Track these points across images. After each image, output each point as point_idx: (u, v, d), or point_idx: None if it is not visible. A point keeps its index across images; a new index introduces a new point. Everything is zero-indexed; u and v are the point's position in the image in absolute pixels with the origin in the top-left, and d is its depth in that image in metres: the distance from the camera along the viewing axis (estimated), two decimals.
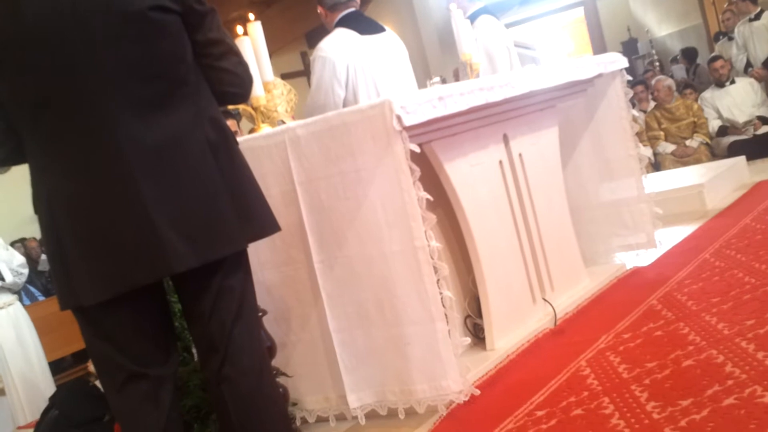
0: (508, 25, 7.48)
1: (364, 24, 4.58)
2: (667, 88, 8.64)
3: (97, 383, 3.67)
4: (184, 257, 2.20)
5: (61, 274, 2.26)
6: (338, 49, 4.44)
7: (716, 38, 10.74)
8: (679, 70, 10.84)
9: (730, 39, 9.33)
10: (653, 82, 8.97)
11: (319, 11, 4.68)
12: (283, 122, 4.71)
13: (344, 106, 4.39)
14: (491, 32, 5.63)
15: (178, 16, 2.26)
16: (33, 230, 11.74)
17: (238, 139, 3.57)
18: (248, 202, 2.36)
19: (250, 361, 2.41)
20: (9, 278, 5.30)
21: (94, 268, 2.19)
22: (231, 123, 5.54)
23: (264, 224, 2.43)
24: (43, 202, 2.26)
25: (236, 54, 2.45)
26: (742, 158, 7.18)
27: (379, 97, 3.97)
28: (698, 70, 10.60)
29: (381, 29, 4.64)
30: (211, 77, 2.38)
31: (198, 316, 2.39)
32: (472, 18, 5.63)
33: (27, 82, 2.18)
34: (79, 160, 2.18)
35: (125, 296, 2.23)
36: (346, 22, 4.55)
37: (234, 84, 2.44)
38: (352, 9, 4.58)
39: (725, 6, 10.93)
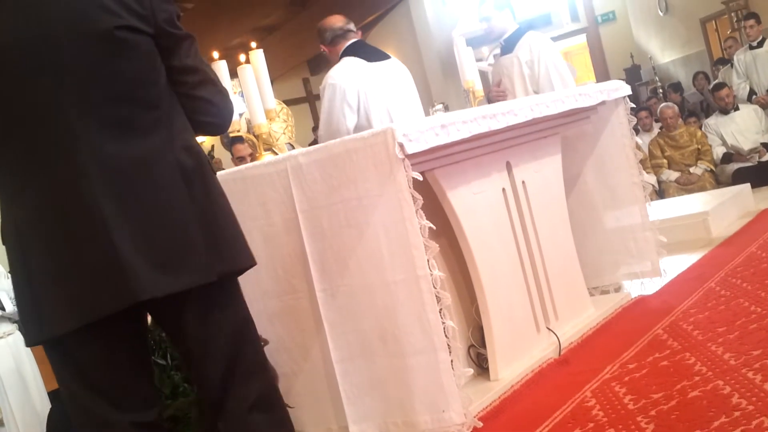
0: (495, 56, 7.51)
1: (369, 52, 4.62)
2: (675, 114, 8.64)
3: None
4: (147, 285, 2.09)
5: (27, 305, 2.17)
6: (347, 75, 4.47)
7: (715, 65, 10.76)
8: (694, 96, 10.86)
9: (732, 66, 9.34)
10: (659, 109, 8.97)
11: (322, 50, 4.73)
12: (293, 146, 4.72)
13: (358, 131, 4.36)
14: (550, 45, 5.60)
15: (150, 38, 2.20)
16: None
17: (242, 166, 3.57)
18: (221, 233, 2.25)
19: (252, 396, 2.29)
20: (9, 307, 5.26)
21: (58, 297, 2.10)
22: (243, 147, 5.53)
23: (236, 258, 2.30)
24: (10, 230, 2.18)
25: (214, 83, 2.37)
26: (747, 185, 7.17)
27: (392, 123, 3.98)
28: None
29: (386, 56, 4.66)
30: (187, 106, 2.30)
31: (186, 353, 2.30)
32: (517, 36, 5.58)
33: None
34: (45, 185, 2.11)
35: (98, 330, 2.13)
36: (351, 51, 4.60)
37: (210, 113, 2.36)
38: (355, 39, 4.61)
39: (728, 33, 10.98)
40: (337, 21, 4.65)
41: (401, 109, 4.54)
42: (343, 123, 4.42)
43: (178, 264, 2.15)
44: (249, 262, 2.35)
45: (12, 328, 5.36)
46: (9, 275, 5.68)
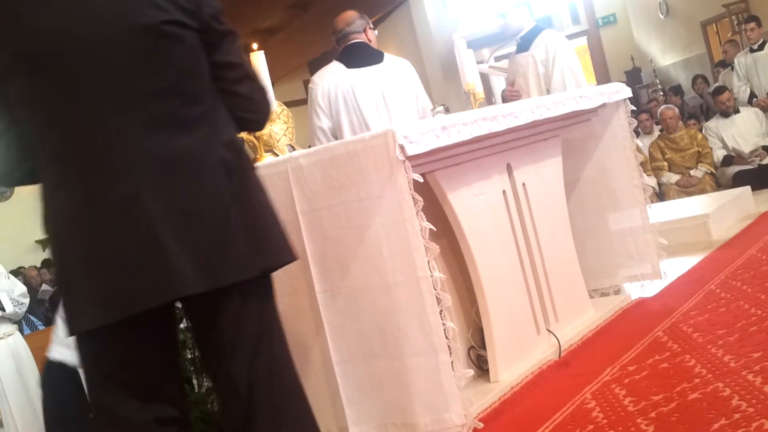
0: (511, 55, 7.50)
1: (354, 57, 4.68)
2: (675, 116, 8.64)
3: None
4: (190, 280, 2.08)
5: (66, 297, 2.17)
6: (321, 79, 4.65)
7: (716, 67, 10.76)
8: (694, 99, 10.88)
9: (733, 69, 9.34)
10: (659, 111, 8.96)
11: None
12: (293, 148, 4.77)
13: (333, 135, 4.57)
14: (567, 45, 5.62)
15: (196, 33, 2.19)
16: (32, 259, 11.74)
17: None
18: (262, 228, 2.25)
19: (279, 394, 2.26)
20: (9, 308, 5.26)
21: (95, 290, 2.09)
22: None
23: (278, 253, 2.30)
24: (50, 222, 2.18)
25: (254, 80, 2.38)
26: (748, 188, 7.17)
27: (369, 130, 4.19)
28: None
29: (375, 61, 4.66)
30: (227, 102, 2.29)
31: (214, 348, 2.26)
32: (533, 35, 5.60)
33: (37, 97, 2.12)
34: (86, 176, 2.10)
35: (134, 324, 2.11)
36: (341, 55, 4.73)
37: (249, 110, 2.36)
38: (354, 41, 4.66)
39: (729, 36, 10.97)
40: (339, 22, 4.72)
41: (382, 114, 4.56)
42: (316, 124, 4.60)
43: (222, 259, 2.14)
44: (290, 257, 2.35)
45: (12, 328, 5.36)
46: (9, 276, 5.71)
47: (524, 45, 5.62)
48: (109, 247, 2.08)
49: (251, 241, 2.19)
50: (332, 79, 4.61)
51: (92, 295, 2.10)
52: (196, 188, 2.13)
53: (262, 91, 2.41)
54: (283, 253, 2.33)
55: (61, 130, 2.12)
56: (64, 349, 4.75)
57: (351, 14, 4.73)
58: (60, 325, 4.98)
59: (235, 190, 2.19)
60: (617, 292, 4.83)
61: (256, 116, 2.42)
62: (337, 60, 4.71)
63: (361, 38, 4.68)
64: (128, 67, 2.10)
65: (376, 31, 4.84)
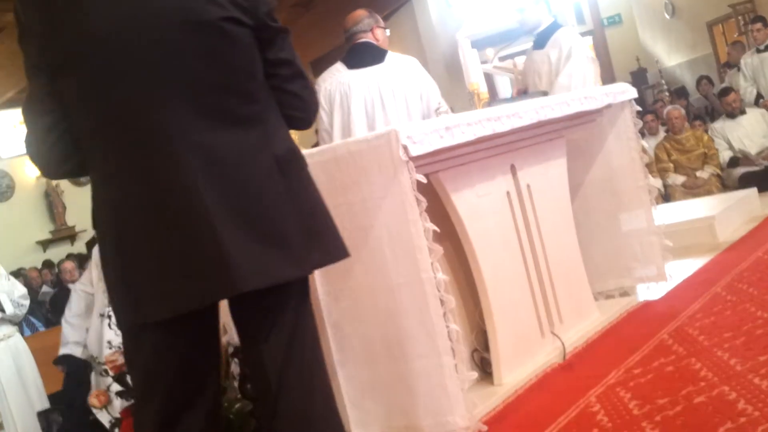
0: (515, 54, 7.47)
1: (356, 57, 4.68)
2: (682, 116, 8.61)
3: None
4: (250, 276, 2.08)
5: (123, 289, 2.16)
6: (323, 81, 4.70)
7: (723, 68, 10.73)
8: (699, 101, 10.87)
9: (739, 70, 9.31)
10: (665, 111, 8.93)
11: None
12: None
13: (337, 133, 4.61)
14: (582, 46, 5.59)
15: (251, 31, 2.21)
16: (33, 260, 11.74)
17: None
18: (316, 226, 2.26)
19: (307, 408, 2.25)
20: (9, 310, 5.24)
21: (158, 282, 2.09)
22: None
23: (330, 250, 2.31)
24: (102, 216, 2.18)
25: (304, 78, 2.39)
26: (754, 190, 7.13)
27: (353, 133, 4.32)
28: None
29: (376, 61, 4.63)
30: (278, 99, 2.31)
31: (251, 339, 2.27)
32: (550, 32, 5.58)
33: (93, 93, 2.12)
34: (141, 171, 2.11)
35: (186, 320, 2.13)
36: (344, 56, 4.74)
37: (298, 108, 2.37)
38: (360, 41, 4.66)
39: (735, 36, 10.94)
40: (348, 21, 4.74)
41: (378, 115, 4.55)
42: (320, 126, 4.68)
43: (278, 256, 2.14)
44: (343, 253, 2.35)
45: (12, 330, 5.34)
46: (9, 277, 5.70)
47: (540, 42, 5.60)
48: (171, 241, 2.08)
49: (306, 238, 2.21)
50: (333, 80, 4.63)
51: (152, 290, 2.10)
52: (252, 185, 2.15)
53: (311, 89, 2.42)
54: (336, 250, 2.33)
55: (116, 125, 2.12)
56: (72, 346, 4.87)
57: (360, 13, 4.72)
58: (66, 327, 5.02)
59: (290, 187, 2.21)
60: (622, 294, 4.80)
61: (305, 115, 2.41)
62: (341, 60, 4.71)
63: (367, 37, 4.65)
64: (185, 64, 2.11)
65: (387, 30, 4.81)
